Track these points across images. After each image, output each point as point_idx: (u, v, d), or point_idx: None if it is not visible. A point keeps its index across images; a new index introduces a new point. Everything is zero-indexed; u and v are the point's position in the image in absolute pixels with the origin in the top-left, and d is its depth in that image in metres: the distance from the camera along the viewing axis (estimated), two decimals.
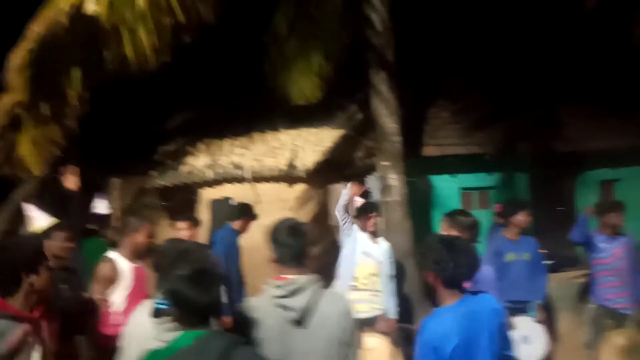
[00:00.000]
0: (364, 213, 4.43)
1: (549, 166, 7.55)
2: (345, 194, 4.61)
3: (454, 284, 2.30)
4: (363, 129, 7.24)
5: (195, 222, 4.62)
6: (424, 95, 8.02)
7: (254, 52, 6.86)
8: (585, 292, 4.76)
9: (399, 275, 5.04)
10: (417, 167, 7.36)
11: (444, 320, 2.24)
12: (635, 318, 4.29)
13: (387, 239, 5.20)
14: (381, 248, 4.42)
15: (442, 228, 3.61)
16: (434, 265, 2.28)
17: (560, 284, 5.66)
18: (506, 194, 7.69)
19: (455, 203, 7.77)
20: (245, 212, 5.09)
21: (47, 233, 3.32)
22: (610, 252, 4.36)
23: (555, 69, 7.49)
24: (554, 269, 6.28)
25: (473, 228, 3.37)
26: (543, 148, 7.21)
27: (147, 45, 4.66)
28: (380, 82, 5.34)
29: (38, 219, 4.03)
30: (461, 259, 2.28)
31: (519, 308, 4.29)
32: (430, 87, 8.05)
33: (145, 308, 2.12)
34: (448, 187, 7.76)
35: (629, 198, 8.25)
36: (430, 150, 7.51)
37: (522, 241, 4.33)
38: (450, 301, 2.28)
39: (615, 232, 4.37)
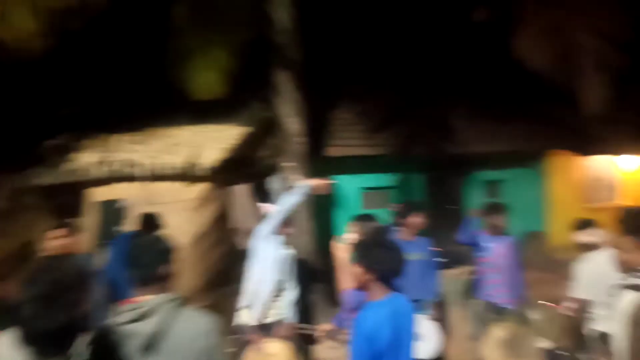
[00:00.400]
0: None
1: (442, 167, 8.04)
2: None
3: (387, 280, 2.44)
4: (268, 128, 7.15)
5: (73, 229, 4.06)
6: (328, 97, 8.12)
7: (153, 42, 6.46)
8: (471, 288, 5.07)
9: (302, 277, 5.05)
10: (320, 167, 7.44)
11: (378, 313, 2.35)
12: (515, 312, 4.65)
13: (291, 240, 5.17)
14: (288, 253, 4.35)
15: (348, 230, 3.66)
16: (372, 262, 2.41)
17: (450, 280, 6.00)
18: (404, 194, 8.05)
19: (357, 203, 7.99)
20: (151, 224, 4.74)
21: None
22: (493, 251, 4.67)
23: (449, 76, 7.97)
24: (445, 266, 6.69)
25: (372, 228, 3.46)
26: (437, 150, 7.64)
27: (26, 29, 4.18)
28: (284, 82, 5.29)
29: None
30: (395, 257, 2.45)
31: (414, 307, 4.48)
32: (334, 88, 8.17)
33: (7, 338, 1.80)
34: (349, 187, 7.95)
35: (512, 197, 9.08)
36: (333, 151, 7.62)
37: (417, 241, 4.49)
38: (381, 296, 2.42)
39: (498, 232, 4.68)
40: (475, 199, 8.44)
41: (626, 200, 10.28)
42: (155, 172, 6.56)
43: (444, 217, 8.49)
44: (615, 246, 2.42)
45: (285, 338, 3.90)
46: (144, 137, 7.35)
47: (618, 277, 2.43)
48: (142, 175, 6.49)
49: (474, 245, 4.80)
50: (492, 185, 9.05)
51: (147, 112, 7.64)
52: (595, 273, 3.73)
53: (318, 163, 7.24)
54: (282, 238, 4.23)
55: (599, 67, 5.38)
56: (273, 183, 6.09)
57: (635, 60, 5.67)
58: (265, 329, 4.13)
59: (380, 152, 7.74)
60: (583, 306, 3.97)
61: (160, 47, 6.27)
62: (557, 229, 8.95)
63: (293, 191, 4.19)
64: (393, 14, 7.79)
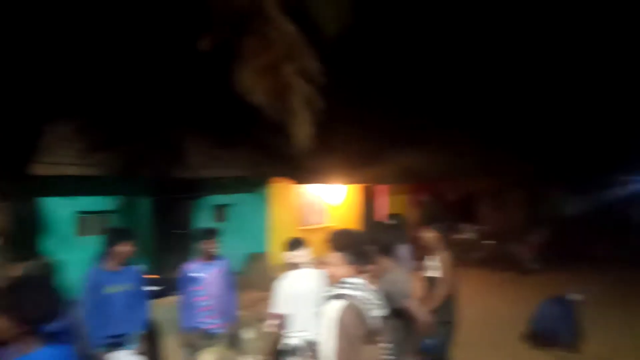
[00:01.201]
0: None
1: (169, 191, 7.87)
2: None
3: (40, 329, 2.05)
4: None
5: None
6: (40, 109, 7.07)
7: None
8: (182, 316, 4.97)
9: None
10: (25, 187, 6.38)
11: None
12: (226, 336, 4.76)
13: None
14: None
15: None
16: (22, 311, 1.99)
17: (167, 308, 5.82)
18: (128, 218, 7.56)
19: (70, 227, 7.13)
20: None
21: None
22: (206, 278, 4.70)
23: (176, 100, 7.93)
24: (163, 294, 6.49)
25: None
26: (163, 174, 7.44)
27: None
28: None
29: None
30: (39, 302, 2.05)
31: (119, 342, 4.14)
32: (47, 100, 7.17)
33: None
34: (62, 211, 7.03)
35: (239, 221, 9.53)
36: (42, 169, 6.63)
37: (123, 271, 4.19)
38: (30, 349, 2.03)
39: (211, 257, 4.75)
40: (203, 223, 8.52)
41: (334, 222, 11.98)
42: None
43: (170, 242, 8.32)
44: (325, 262, 2.70)
45: None
46: None
47: (322, 290, 2.76)
48: None
49: (185, 279, 4.73)
50: (220, 210, 9.32)
51: None
52: (294, 289, 4.06)
53: (21, 183, 6.21)
54: None
55: (306, 107, 6.11)
56: None
57: (333, 104, 6.66)
58: None
59: (100, 172, 7.10)
60: (281, 321, 4.26)
61: None
62: (277, 250, 9.78)
63: None
64: (122, 31, 7.34)
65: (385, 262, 3.59)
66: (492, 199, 13.88)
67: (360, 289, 2.57)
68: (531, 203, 15.09)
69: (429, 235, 4.67)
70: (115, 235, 4.15)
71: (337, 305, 2.48)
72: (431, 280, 4.62)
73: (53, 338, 2.12)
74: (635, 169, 23.80)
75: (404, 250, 5.57)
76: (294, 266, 4.23)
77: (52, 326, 2.13)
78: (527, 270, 11.30)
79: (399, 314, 3.44)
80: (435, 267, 4.59)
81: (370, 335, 2.57)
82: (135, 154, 7.28)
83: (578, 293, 6.35)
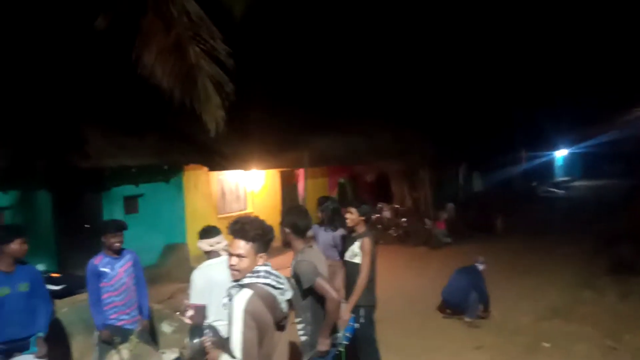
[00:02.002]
0: None
1: (70, 183, 7.32)
2: None
3: None
4: None
5: None
6: None
7: None
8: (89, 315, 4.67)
9: None
10: None
11: None
12: (140, 330, 4.53)
13: None
14: None
15: None
16: None
17: (75, 307, 5.46)
18: (25, 214, 6.97)
19: None
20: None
21: None
22: (114, 273, 4.44)
23: (74, 84, 7.38)
24: (69, 292, 6.06)
25: None
26: (63, 164, 6.90)
27: None
28: None
29: None
30: None
31: (16, 347, 3.81)
32: None
33: None
34: None
35: (152, 212, 9.12)
36: None
37: (18, 271, 3.85)
38: None
39: (116, 252, 4.49)
40: (113, 215, 8.05)
41: (254, 208, 11.85)
42: None
43: (77, 238, 7.78)
44: (234, 255, 2.54)
45: None
46: None
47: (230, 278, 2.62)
48: None
49: (93, 275, 4.43)
50: (131, 201, 8.86)
51: None
52: (209, 278, 3.94)
53: None
54: None
55: (215, 90, 5.91)
56: None
57: (245, 88, 6.53)
58: None
59: None
60: (200, 311, 4.13)
61: None
62: (195, 240, 9.49)
63: None
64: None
65: (297, 243, 3.58)
66: (405, 179, 14.43)
67: (267, 275, 2.50)
68: (441, 182, 15.91)
69: (351, 217, 4.68)
70: (7, 233, 3.79)
71: (244, 296, 2.40)
72: (352, 266, 4.65)
73: None
74: (534, 146, 25.96)
75: (326, 234, 5.61)
76: (210, 255, 4.11)
77: None
78: (440, 244, 11.92)
79: (310, 293, 3.45)
80: (356, 252, 4.60)
81: (280, 321, 2.54)
82: (29, 144, 6.68)
83: (483, 263, 6.79)
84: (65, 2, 5.79)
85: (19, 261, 3.90)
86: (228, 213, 11.03)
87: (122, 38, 5.80)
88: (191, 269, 8.18)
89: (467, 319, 6.43)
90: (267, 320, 2.42)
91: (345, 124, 12.10)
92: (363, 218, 4.63)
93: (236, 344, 2.35)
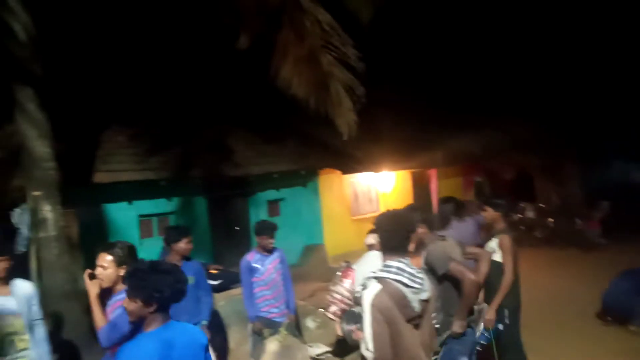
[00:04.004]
0: None
1: (222, 189, 8.11)
2: None
3: (163, 308, 2.26)
4: (16, 154, 6.22)
5: None
6: (95, 118, 7.50)
7: None
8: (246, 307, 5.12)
9: (57, 318, 4.47)
10: (88, 196, 6.78)
11: (144, 345, 2.16)
12: (288, 324, 4.87)
13: (42, 279, 4.54)
14: (18, 295, 3.75)
15: (98, 261, 3.34)
16: (150, 292, 2.18)
17: (231, 300, 6.02)
18: (186, 218, 7.85)
19: (134, 231, 7.50)
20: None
21: None
22: (264, 268, 4.85)
23: (223, 98, 8.15)
24: (224, 287, 6.70)
25: (130, 256, 3.23)
26: (215, 173, 7.68)
27: None
28: (27, 100, 4.65)
29: None
30: (175, 280, 2.27)
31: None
32: (102, 110, 7.59)
33: None
34: (125, 215, 7.42)
35: (292, 215, 9.68)
36: (102, 177, 7.02)
37: (185, 266, 4.38)
38: (154, 326, 2.23)
39: (267, 250, 4.88)
40: (258, 218, 8.72)
41: (386, 209, 11.89)
42: None
43: (227, 238, 8.58)
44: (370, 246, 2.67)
45: None
46: None
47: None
48: None
49: (247, 270, 4.87)
50: (273, 204, 9.50)
51: None
52: (367, 269, 4.07)
53: (84, 190, 6.60)
54: None
55: (347, 95, 6.11)
56: (18, 216, 5.28)
57: (375, 90, 6.62)
58: None
59: (156, 176, 7.45)
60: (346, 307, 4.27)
61: None
62: (332, 241, 9.85)
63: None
64: (166, 36, 7.64)
65: (427, 235, 3.57)
66: (550, 176, 13.31)
67: (398, 272, 2.47)
68: (589, 176, 14.36)
69: (487, 214, 4.52)
70: (174, 233, 4.35)
71: (372, 290, 2.42)
72: (491, 264, 4.48)
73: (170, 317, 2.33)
74: None
75: (463, 228, 5.48)
76: (372, 247, 4.22)
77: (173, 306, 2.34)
78: (593, 245, 10.77)
79: (445, 279, 3.42)
80: (494, 249, 4.43)
81: (413, 319, 2.49)
82: (187, 156, 7.56)
83: None
84: (212, 26, 6.43)
85: (185, 258, 4.45)
86: (361, 215, 11.23)
87: (260, 54, 6.30)
88: (330, 269, 8.49)
89: (633, 328, 5.74)
90: (394, 316, 2.39)
91: (481, 119, 11.56)
92: (499, 214, 4.44)
93: (367, 336, 2.38)
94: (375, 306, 2.36)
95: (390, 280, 2.45)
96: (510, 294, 4.24)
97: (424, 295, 2.53)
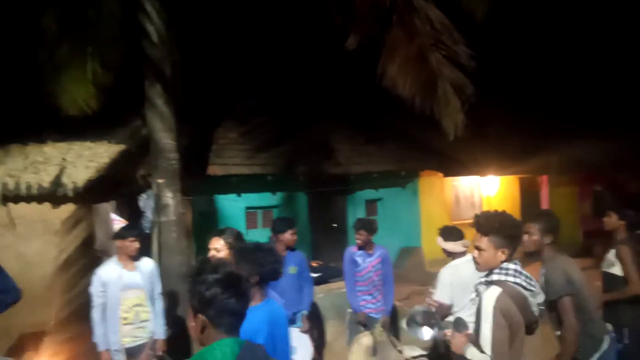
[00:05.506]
0: (124, 236, 4.12)
1: (323, 187, 8.30)
2: None
3: (266, 283, 2.53)
4: (143, 145, 6.89)
5: None
6: (212, 116, 8.07)
7: (19, 53, 5.99)
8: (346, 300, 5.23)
9: (173, 297, 4.88)
10: (202, 186, 7.31)
11: (256, 316, 2.32)
12: (384, 322, 4.89)
13: (162, 260, 4.99)
14: (143, 271, 4.17)
15: (212, 244, 3.61)
16: (254, 265, 2.46)
17: (329, 294, 6.16)
18: (288, 213, 8.15)
19: (241, 222, 7.94)
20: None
21: None
22: (364, 265, 4.91)
23: (328, 99, 8.34)
24: (323, 280, 6.86)
25: (239, 241, 3.47)
26: (317, 170, 7.89)
27: None
28: (156, 96, 5.15)
29: None
30: (274, 259, 2.56)
31: (289, 320, 4.53)
32: (219, 108, 8.15)
33: None
34: (233, 207, 7.88)
35: (390, 215, 9.63)
36: (215, 170, 7.53)
37: (289, 256, 4.58)
38: (258, 301, 2.46)
39: (369, 247, 4.93)
40: (356, 217, 8.80)
41: None
42: (14, 192, 5.96)
43: (326, 234, 8.77)
44: (475, 248, 2.56)
45: None
46: (3, 154, 6.68)
47: (479, 277, 2.61)
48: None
49: (349, 261, 4.97)
50: (371, 204, 9.52)
51: (8, 127, 6.99)
52: (456, 278, 3.99)
53: (199, 181, 7.12)
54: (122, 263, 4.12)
55: (456, 94, 5.95)
56: (144, 201, 5.85)
57: (485, 90, 6.38)
58: (129, 354, 3.95)
59: (264, 171, 7.83)
60: (443, 310, 4.21)
61: (27, 58, 5.83)
62: (430, 244, 9.62)
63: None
64: (277, 36, 8.01)
65: (548, 250, 3.30)
66: None
67: (516, 275, 2.40)
68: None
69: (609, 220, 4.17)
70: (282, 224, 4.58)
71: (494, 293, 2.35)
72: (609, 277, 4.13)
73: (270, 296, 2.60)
74: None
75: None
76: (451, 255, 4.16)
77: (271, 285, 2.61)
78: None
79: (551, 308, 3.10)
80: (612, 262, 4.07)
81: (529, 325, 2.41)
82: (293, 154, 7.85)
83: None
84: (323, 24, 6.59)
85: (290, 248, 4.65)
86: (462, 219, 10.84)
87: (367, 54, 6.35)
88: (426, 273, 8.34)
89: None
90: (518, 320, 2.33)
91: (601, 127, 10.62)
92: (623, 223, 4.07)
93: (486, 341, 2.31)
94: (498, 309, 2.29)
95: (511, 283, 2.38)
96: (631, 312, 3.88)
97: (540, 299, 2.48)
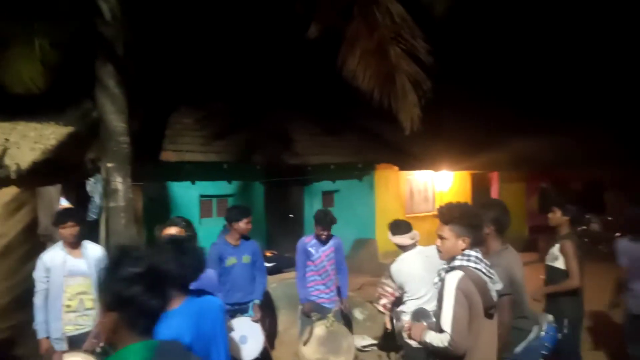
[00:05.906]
0: (61, 222, 3.94)
1: (280, 177, 8.26)
2: None
3: (181, 285, 2.35)
4: (94, 127, 6.62)
5: None
6: (167, 101, 7.84)
7: None
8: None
9: None
10: (154, 172, 7.11)
11: (174, 322, 2.22)
12: (337, 312, 4.92)
13: (109, 246, 4.82)
14: (89, 258, 4.02)
15: (159, 232, 3.53)
16: (176, 267, 2.28)
17: (282, 283, 6.15)
18: (244, 202, 8.05)
19: (194, 210, 7.79)
20: None
21: None
22: (318, 255, 4.92)
23: (286, 89, 8.27)
24: (277, 270, 6.84)
25: (189, 231, 3.40)
26: (275, 160, 7.83)
27: None
28: (107, 76, 4.94)
29: None
30: (187, 259, 2.35)
31: (238, 309, 4.50)
32: (174, 93, 7.92)
33: None
34: (187, 194, 7.71)
35: (345, 207, 9.70)
36: (169, 156, 7.33)
37: (243, 245, 4.53)
38: (177, 303, 2.30)
39: (323, 237, 4.93)
40: (312, 207, 8.82)
41: None
42: None
43: (282, 224, 8.74)
44: (438, 237, 2.62)
45: (89, 351, 3.62)
46: None
47: (436, 267, 2.75)
48: None
49: (302, 251, 4.97)
50: (328, 195, 9.56)
51: None
52: (406, 269, 4.06)
53: (151, 167, 6.92)
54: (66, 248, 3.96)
55: (413, 89, 6.02)
56: (92, 185, 5.63)
57: (441, 86, 6.50)
58: (71, 342, 3.81)
59: (219, 159, 7.69)
60: (396, 302, 4.29)
61: None
62: (384, 236, 9.76)
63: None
64: (237, 22, 7.85)
65: (494, 244, 3.31)
66: (620, 189, 12.55)
67: (477, 262, 2.52)
68: None
69: (553, 216, 4.34)
70: (237, 212, 4.51)
71: (456, 275, 2.46)
72: (552, 270, 4.31)
73: (193, 294, 2.41)
74: None
75: None
76: (405, 248, 4.21)
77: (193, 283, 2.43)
78: None
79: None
80: (556, 256, 4.25)
81: (489, 308, 2.54)
82: (250, 142, 7.75)
83: None
84: (283, 13, 6.52)
85: (244, 237, 4.59)
86: (416, 213, 11.08)
87: (328, 44, 6.33)
88: (380, 264, 8.45)
89: None
90: (477, 302, 2.46)
91: (552, 125, 11.06)
92: (567, 219, 4.26)
93: (446, 319, 2.42)
94: (461, 289, 2.42)
95: (472, 269, 2.50)
96: (570, 303, 4.08)
97: (498, 286, 2.60)
